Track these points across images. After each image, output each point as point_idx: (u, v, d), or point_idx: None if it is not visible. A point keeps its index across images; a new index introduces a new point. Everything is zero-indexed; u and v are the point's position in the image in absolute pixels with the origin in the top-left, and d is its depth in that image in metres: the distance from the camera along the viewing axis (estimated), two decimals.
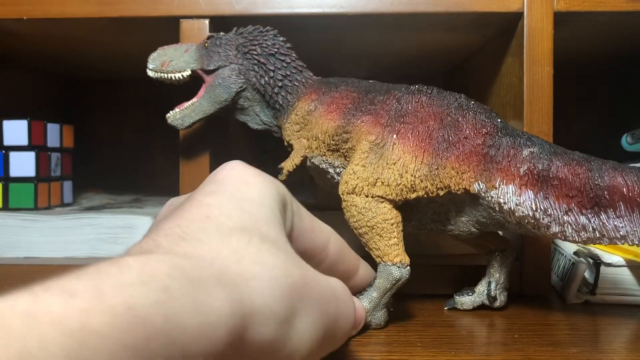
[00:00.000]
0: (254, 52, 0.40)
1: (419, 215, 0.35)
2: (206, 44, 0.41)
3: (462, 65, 0.66)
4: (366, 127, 0.35)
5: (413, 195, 0.33)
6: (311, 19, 0.44)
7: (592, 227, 0.31)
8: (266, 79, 0.40)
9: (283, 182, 0.34)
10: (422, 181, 0.33)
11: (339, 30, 0.49)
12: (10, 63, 0.64)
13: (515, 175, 0.32)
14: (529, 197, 0.31)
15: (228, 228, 0.22)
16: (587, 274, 0.41)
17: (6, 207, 0.53)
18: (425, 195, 0.33)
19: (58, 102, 0.77)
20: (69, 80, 0.78)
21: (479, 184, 0.32)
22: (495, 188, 0.32)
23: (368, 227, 0.33)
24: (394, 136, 0.34)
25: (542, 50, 0.42)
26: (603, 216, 0.31)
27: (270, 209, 0.24)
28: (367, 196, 0.33)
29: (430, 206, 0.35)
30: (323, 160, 0.37)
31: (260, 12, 0.44)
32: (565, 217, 0.31)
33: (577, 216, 0.31)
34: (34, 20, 0.45)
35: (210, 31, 0.44)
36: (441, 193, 0.33)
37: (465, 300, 0.38)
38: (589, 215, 0.31)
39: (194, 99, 0.41)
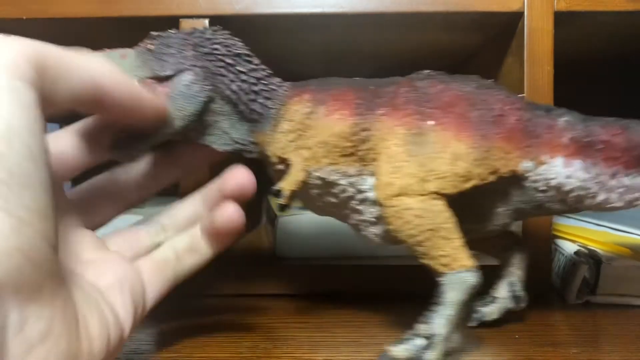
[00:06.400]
0: (217, 52, 0.33)
1: None
2: (150, 46, 0.33)
3: (462, 65, 0.66)
4: (390, 120, 0.30)
5: (468, 185, 0.29)
6: (311, 18, 0.44)
7: (637, 186, 0.30)
8: (238, 83, 0.32)
9: (285, 206, 0.31)
10: (475, 167, 0.29)
11: (339, 30, 0.49)
12: None
13: (561, 147, 0.30)
14: (579, 167, 0.30)
15: None
16: (587, 274, 0.41)
17: None
18: (479, 183, 0.29)
19: None
20: None
21: (526, 163, 0.30)
22: (544, 163, 0.30)
23: (430, 231, 0.29)
24: (432, 122, 0.30)
25: (542, 50, 0.42)
26: None
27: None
28: (420, 195, 0.29)
29: (457, 203, 0.31)
30: (334, 171, 0.31)
31: (260, 11, 0.43)
32: (612, 182, 0.30)
33: (622, 178, 0.30)
34: (34, 20, 0.45)
35: None
36: (491, 179, 0.29)
37: (493, 310, 0.35)
38: (633, 175, 0.30)
39: None
